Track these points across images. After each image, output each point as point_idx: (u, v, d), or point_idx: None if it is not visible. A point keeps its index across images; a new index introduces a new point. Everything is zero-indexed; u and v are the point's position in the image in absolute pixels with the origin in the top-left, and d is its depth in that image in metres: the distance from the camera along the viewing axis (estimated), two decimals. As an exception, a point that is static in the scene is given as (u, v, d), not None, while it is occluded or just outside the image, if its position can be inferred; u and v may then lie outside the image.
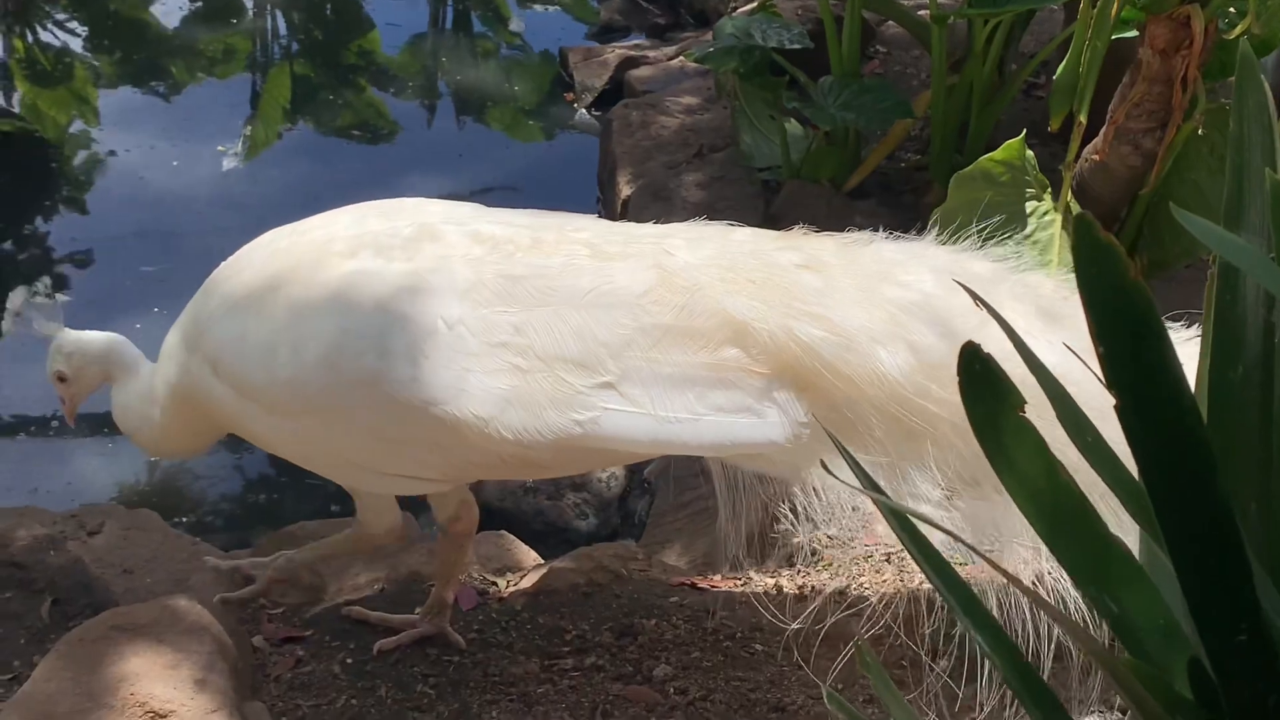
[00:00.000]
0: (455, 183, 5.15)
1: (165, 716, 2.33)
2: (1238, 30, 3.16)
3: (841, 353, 2.27)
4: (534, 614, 2.79)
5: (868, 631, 2.35)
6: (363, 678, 2.64)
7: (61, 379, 2.67)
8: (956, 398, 2.17)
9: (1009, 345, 1.50)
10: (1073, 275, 2.71)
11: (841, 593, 2.51)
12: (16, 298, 2.56)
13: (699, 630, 2.64)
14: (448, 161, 5.51)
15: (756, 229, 2.65)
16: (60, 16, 6.75)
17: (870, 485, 1.83)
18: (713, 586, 2.83)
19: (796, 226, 2.69)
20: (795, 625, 2.43)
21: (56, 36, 6.50)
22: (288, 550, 2.81)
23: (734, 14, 4.94)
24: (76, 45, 6.44)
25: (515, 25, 6.53)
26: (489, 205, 2.81)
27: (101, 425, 3.84)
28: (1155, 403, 1.30)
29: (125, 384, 2.66)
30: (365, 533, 2.66)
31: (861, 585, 2.56)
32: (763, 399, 2.27)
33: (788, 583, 2.66)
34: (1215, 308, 1.53)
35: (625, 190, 4.46)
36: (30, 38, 6.52)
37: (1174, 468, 1.32)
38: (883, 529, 2.49)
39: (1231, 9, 3.22)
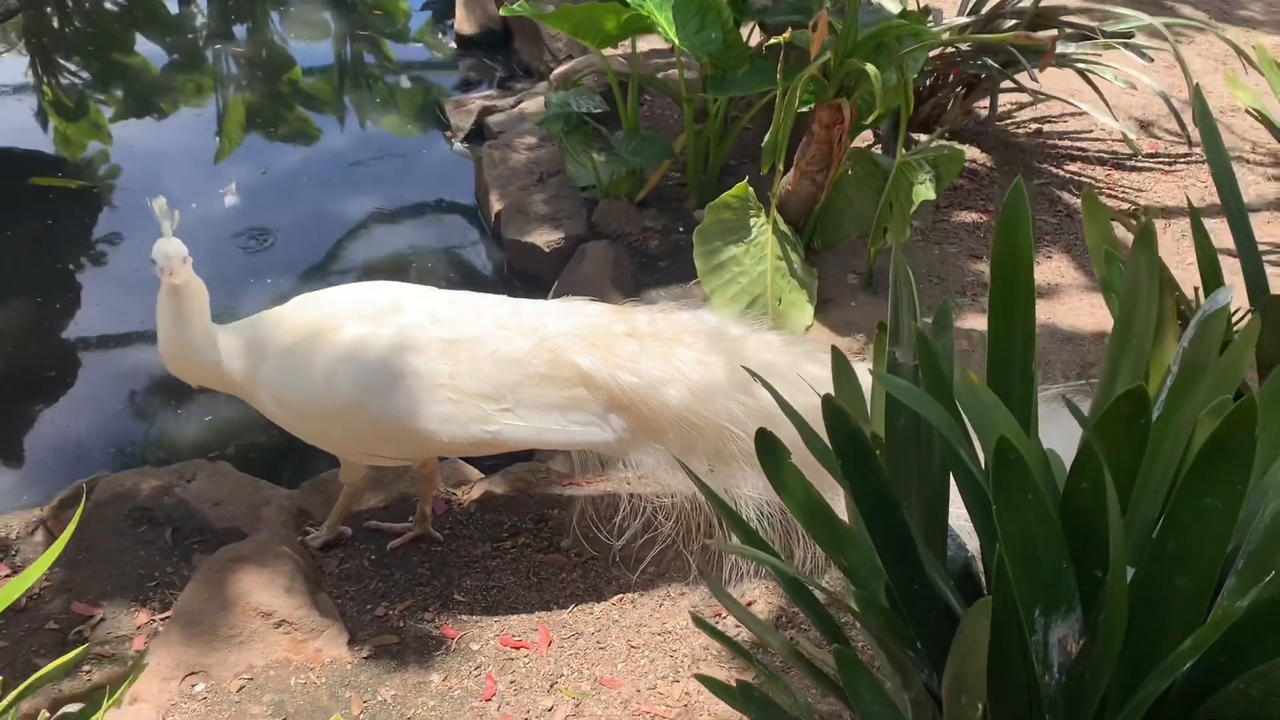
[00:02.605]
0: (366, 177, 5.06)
1: (269, 614, 2.42)
2: (871, 119, 3.39)
3: (644, 392, 2.42)
4: (482, 512, 2.87)
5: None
6: (383, 568, 2.70)
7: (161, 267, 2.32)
8: (711, 415, 2.42)
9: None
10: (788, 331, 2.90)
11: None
12: (159, 201, 2.38)
13: (581, 514, 2.73)
14: (360, 162, 5.34)
15: (603, 304, 2.69)
16: (71, 66, 6.43)
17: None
18: (584, 483, 2.92)
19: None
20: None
21: (74, 80, 6.18)
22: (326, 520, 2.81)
23: (554, 77, 5.00)
24: (86, 84, 6.12)
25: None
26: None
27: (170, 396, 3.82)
28: (851, 439, 1.52)
29: (179, 306, 2.37)
30: (349, 488, 2.70)
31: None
32: (600, 417, 2.42)
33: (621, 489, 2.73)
34: (886, 364, 1.74)
35: (496, 206, 4.47)
36: (53, 81, 6.18)
37: (862, 475, 1.55)
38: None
39: (869, 96, 3.37)
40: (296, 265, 4.42)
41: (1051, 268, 3.89)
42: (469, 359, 2.38)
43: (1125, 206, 4.30)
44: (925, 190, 3.45)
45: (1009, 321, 1.69)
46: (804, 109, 3.52)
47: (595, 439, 2.44)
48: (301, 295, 2.55)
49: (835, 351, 1.98)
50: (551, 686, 2.36)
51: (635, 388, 2.41)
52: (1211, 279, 2.25)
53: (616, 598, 2.58)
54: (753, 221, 3.57)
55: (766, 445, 1.53)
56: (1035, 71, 3.96)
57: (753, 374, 1.94)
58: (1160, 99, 4.34)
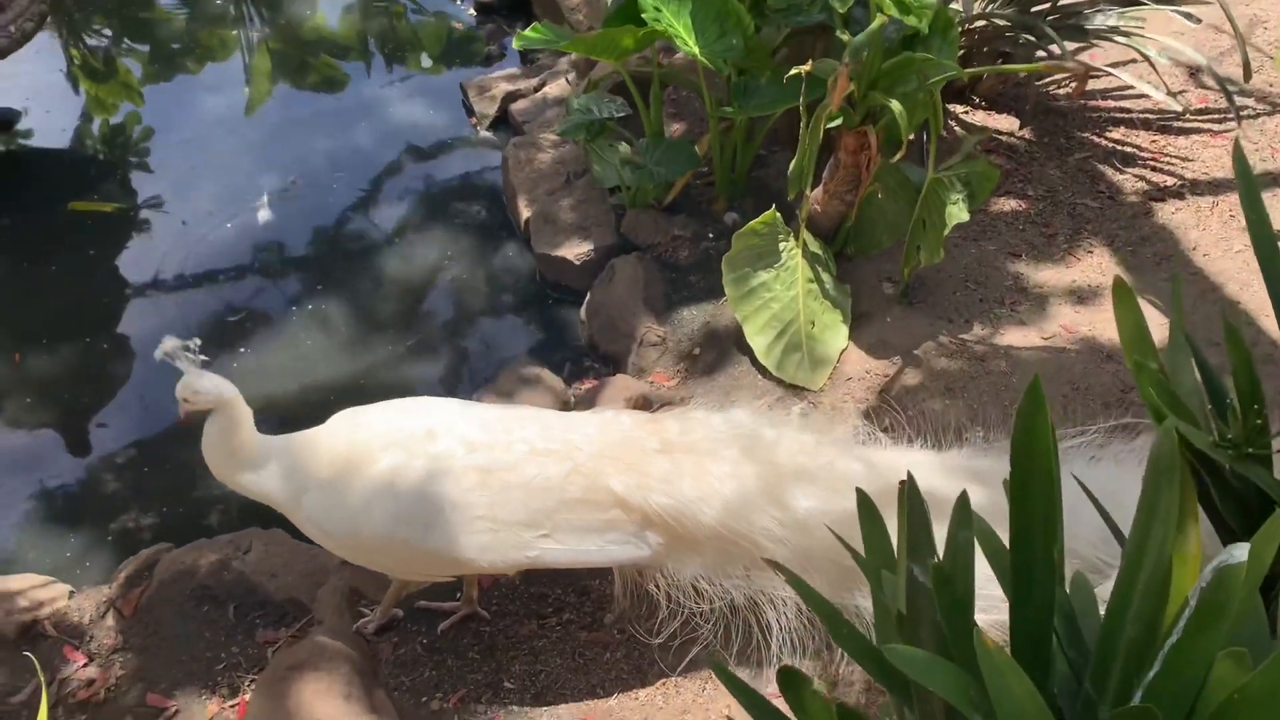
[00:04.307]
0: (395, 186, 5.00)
1: None
2: (898, 156, 3.29)
3: (678, 513, 2.44)
4: (526, 585, 2.91)
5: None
6: (435, 653, 2.78)
7: (186, 401, 2.46)
8: (746, 529, 2.43)
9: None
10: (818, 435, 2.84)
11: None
12: (168, 343, 2.48)
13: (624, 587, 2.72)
14: (386, 114, 5.40)
15: (634, 415, 2.69)
16: (95, 26, 6.40)
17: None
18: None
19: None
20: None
21: (99, 40, 6.14)
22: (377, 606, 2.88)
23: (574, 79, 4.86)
24: (111, 45, 6.11)
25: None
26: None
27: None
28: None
29: (222, 422, 2.45)
30: (399, 586, 2.80)
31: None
32: (636, 535, 2.45)
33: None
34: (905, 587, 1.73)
35: (525, 213, 4.45)
36: (80, 45, 6.14)
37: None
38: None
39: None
40: (327, 270, 4.46)
41: (1091, 266, 3.79)
42: (503, 487, 2.41)
43: (1170, 182, 4.15)
44: (959, 211, 3.37)
45: (1028, 512, 1.68)
46: (832, 125, 3.42)
47: (632, 556, 2.47)
48: (338, 415, 2.59)
49: (860, 494, 1.98)
50: (601, 783, 2.46)
51: (669, 509, 2.43)
52: (1273, 266, 2.10)
53: (660, 682, 2.66)
54: (781, 246, 3.52)
55: (788, 680, 1.55)
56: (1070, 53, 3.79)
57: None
58: (1207, 57, 4.14)
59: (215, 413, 2.47)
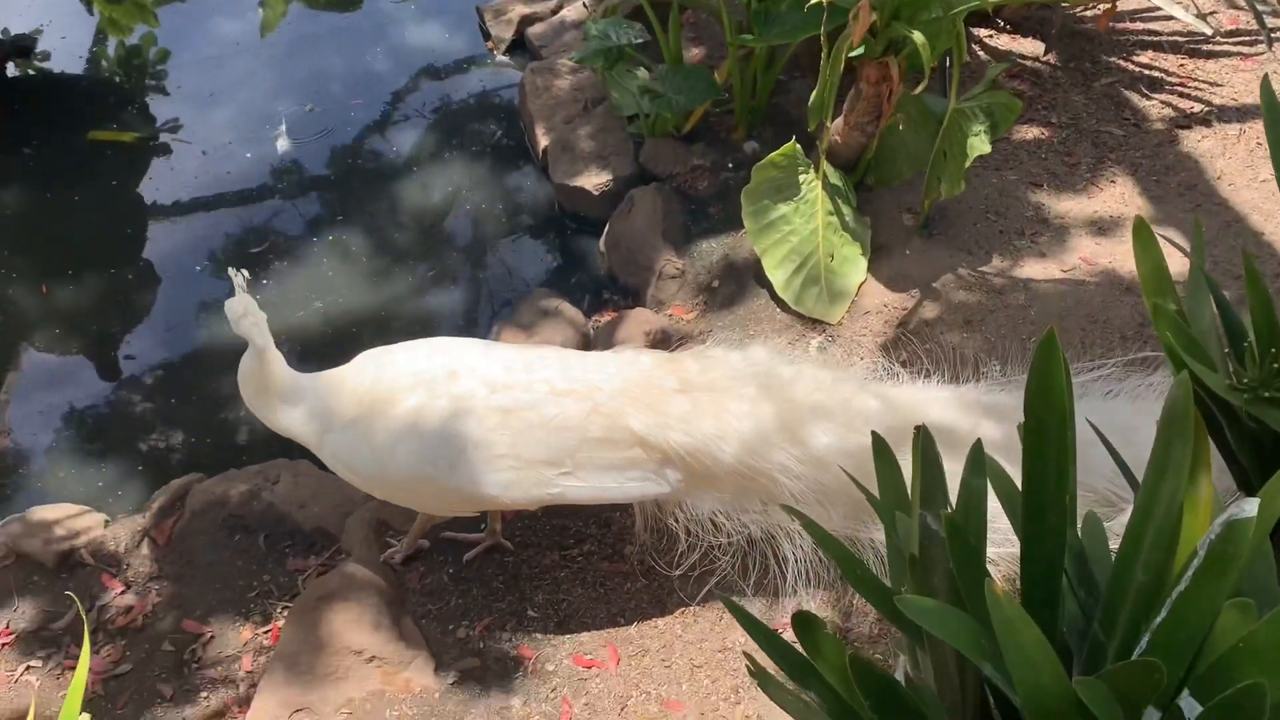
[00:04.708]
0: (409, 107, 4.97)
1: (361, 652, 2.60)
2: (920, 88, 3.24)
3: (696, 450, 2.48)
4: (548, 519, 2.96)
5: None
6: (461, 582, 2.85)
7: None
8: (763, 466, 2.46)
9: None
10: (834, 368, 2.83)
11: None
12: (237, 276, 2.54)
13: (644, 522, 2.78)
14: (402, 37, 5.33)
15: (654, 355, 2.70)
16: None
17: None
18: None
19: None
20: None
21: None
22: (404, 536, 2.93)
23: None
24: None
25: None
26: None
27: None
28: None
29: (254, 357, 2.48)
30: (425, 519, 2.85)
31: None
32: (656, 472, 2.49)
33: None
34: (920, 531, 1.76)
35: (542, 141, 4.42)
36: None
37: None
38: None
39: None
40: (346, 199, 4.46)
41: (1113, 196, 3.76)
42: (525, 427, 2.44)
43: (1198, 108, 4.08)
44: (980, 143, 3.33)
45: (1042, 459, 1.70)
46: (853, 55, 3.36)
47: (652, 492, 2.52)
48: (363, 354, 2.63)
49: (875, 436, 2.01)
50: (622, 709, 2.56)
51: (688, 447, 2.47)
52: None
53: (679, 610, 2.74)
54: (801, 178, 3.50)
55: (804, 624, 1.60)
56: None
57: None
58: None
59: (257, 363, 2.50)
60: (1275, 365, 2.04)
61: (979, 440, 1.75)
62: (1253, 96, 4.11)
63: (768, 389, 2.53)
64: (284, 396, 2.53)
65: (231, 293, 2.47)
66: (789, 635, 2.62)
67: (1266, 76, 2.41)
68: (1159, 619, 1.56)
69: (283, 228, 4.38)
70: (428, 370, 2.50)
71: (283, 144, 4.75)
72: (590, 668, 2.65)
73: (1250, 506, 1.41)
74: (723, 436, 2.48)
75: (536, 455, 2.44)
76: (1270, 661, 1.38)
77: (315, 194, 4.54)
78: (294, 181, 4.60)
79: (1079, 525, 1.84)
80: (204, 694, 2.76)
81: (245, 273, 2.44)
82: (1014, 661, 1.41)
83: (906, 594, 1.52)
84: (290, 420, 2.55)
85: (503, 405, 2.45)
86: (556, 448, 2.45)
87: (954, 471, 2.59)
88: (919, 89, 3.28)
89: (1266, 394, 2.05)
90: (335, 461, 2.55)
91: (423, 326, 3.97)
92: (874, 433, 2.00)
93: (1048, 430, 1.68)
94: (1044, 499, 1.72)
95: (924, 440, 1.67)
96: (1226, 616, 1.47)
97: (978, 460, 1.74)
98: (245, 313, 2.43)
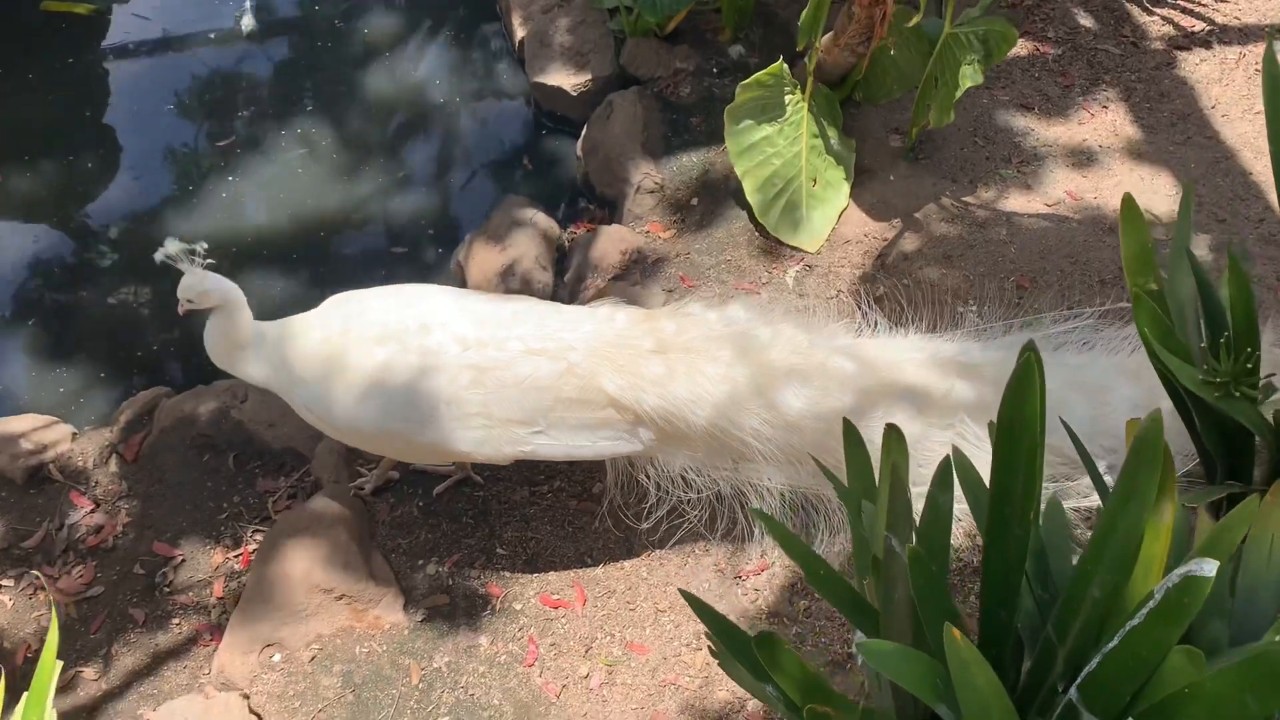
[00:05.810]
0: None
1: (330, 590, 2.63)
2: (914, 20, 3.09)
3: (669, 413, 2.47)
4: None
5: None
6: (430, 515, 2.86)
7: (189, 302, 2.45)
8: (735, 429, 2.46)
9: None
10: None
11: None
12: (170, 246, 2.48)
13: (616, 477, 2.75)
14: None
15: (630, 312, 2.66)
16: None
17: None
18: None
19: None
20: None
21: None
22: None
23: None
24: None
25: None
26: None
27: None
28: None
29: (223, 320, 2.47)
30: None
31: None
32: (629, 431, 2.49)
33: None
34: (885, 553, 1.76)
35: (519, 32, 4.23)
36: None
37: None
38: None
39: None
40: (314, 89, 4.29)
41: (1104, 125, 3.67)
42: (498, 385, 2.42)
43: (1199, 27, 3.95)
44: (973, 73, 3.22)
45: (1010, 478, 1.71)
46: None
47: (624, 450, 2.53)
48: (331, 300, 2.57)
49: (847, 423, 2.01)
50: (587, 651, 2.62)
51: (661, 410, 2.46)
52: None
53: (645, 553, 2.77)
54: (787, 99, 3.39)
55: (764, 643, 1.62)
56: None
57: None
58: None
59: (218, 310, 2.48)
60: (1249, 365, 2.04)
61: (947, 457, 1.74)
62: (1256, 15, 3.98)
63: (744, 352, 2.51)
64: (253, 347, 2.49)
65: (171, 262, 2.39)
66: (751, 582, 2.70)
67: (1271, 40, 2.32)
68: (1110, 645, 1.60)
69: (248, 119, 4.21)
70: (398, 323, 2.45)
71: (247, 23, 4.52)
72: (557, 608, 2.70)
73: (1209, 567, 1.43)
74: (696, 401, 2.47)
75: (509, 414, 2.43)
76: (1218, 714, 1.41)
77: (282, 83, 4.36)
78: (259, 68, 4.41)
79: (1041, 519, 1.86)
80: (175, 620, 2.80)
81: (203, 245, 2.36)
82: (968, 706, 1.45)
83: (863, 640, 1.55)
84: (260, 371, 2.52)
85: (475, 363, 2.42)
86: (529, 407, 2.44)
87: (925, 435, 2.62)
88: (913, 21, 3.14)
89: (1238, 392, 2.05)
90: (308, 413, 2.52)
91: (393, 233, 3.88)
92: (845, 420, 2.00)
93: (1018, 455, 1.68)
94: (1008, 511, 1.73)
95: (894, 468, 1.66)
96: (1175, 659, 1.51)
97: (945, 477, 1.74)
98: (205, 289, 2.41)
